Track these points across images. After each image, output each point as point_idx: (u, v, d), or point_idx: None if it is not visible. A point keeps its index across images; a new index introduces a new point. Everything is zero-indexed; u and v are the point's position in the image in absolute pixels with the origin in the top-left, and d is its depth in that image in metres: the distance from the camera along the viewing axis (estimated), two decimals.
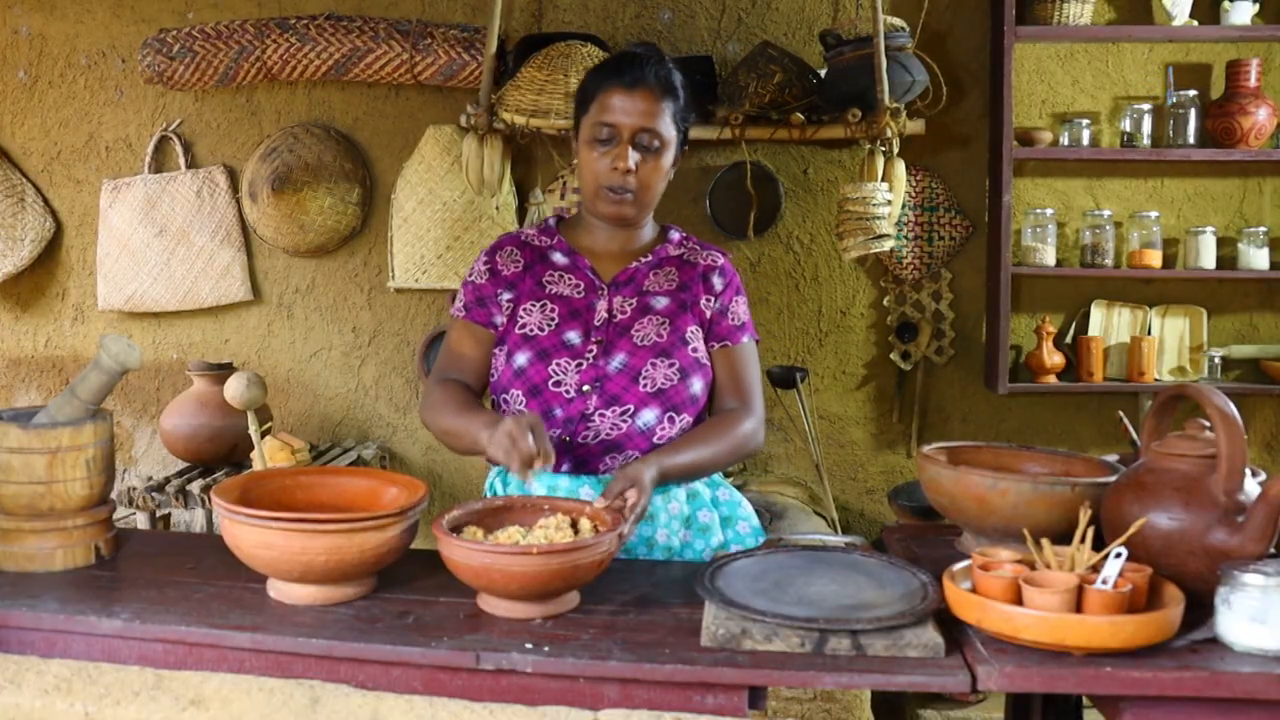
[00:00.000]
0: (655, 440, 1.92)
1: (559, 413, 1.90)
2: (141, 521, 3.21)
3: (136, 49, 3.66)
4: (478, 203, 3.61)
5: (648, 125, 1.91)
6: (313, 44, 3.51)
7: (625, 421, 1.90)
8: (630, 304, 1.98)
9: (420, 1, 3.65)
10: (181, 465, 3.50)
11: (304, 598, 1.59)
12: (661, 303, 1.99)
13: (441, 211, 3.63)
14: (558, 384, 1.91)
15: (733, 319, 2.03)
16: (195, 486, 3.19)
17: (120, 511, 3.17)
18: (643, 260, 2.04)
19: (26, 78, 3.78)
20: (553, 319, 1.96)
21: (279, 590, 1.61)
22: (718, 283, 2.04)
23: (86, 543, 1.75)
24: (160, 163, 3.77)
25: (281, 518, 1.53)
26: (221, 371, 3.35)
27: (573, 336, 1.94)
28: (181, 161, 3.74)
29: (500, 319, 2.01)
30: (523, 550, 1.48)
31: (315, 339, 3.80)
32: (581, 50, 3.27)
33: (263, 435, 3.00)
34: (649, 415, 1.91)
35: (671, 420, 1.92)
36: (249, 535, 1.56)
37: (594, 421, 1.90)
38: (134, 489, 3.21)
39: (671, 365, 1.92)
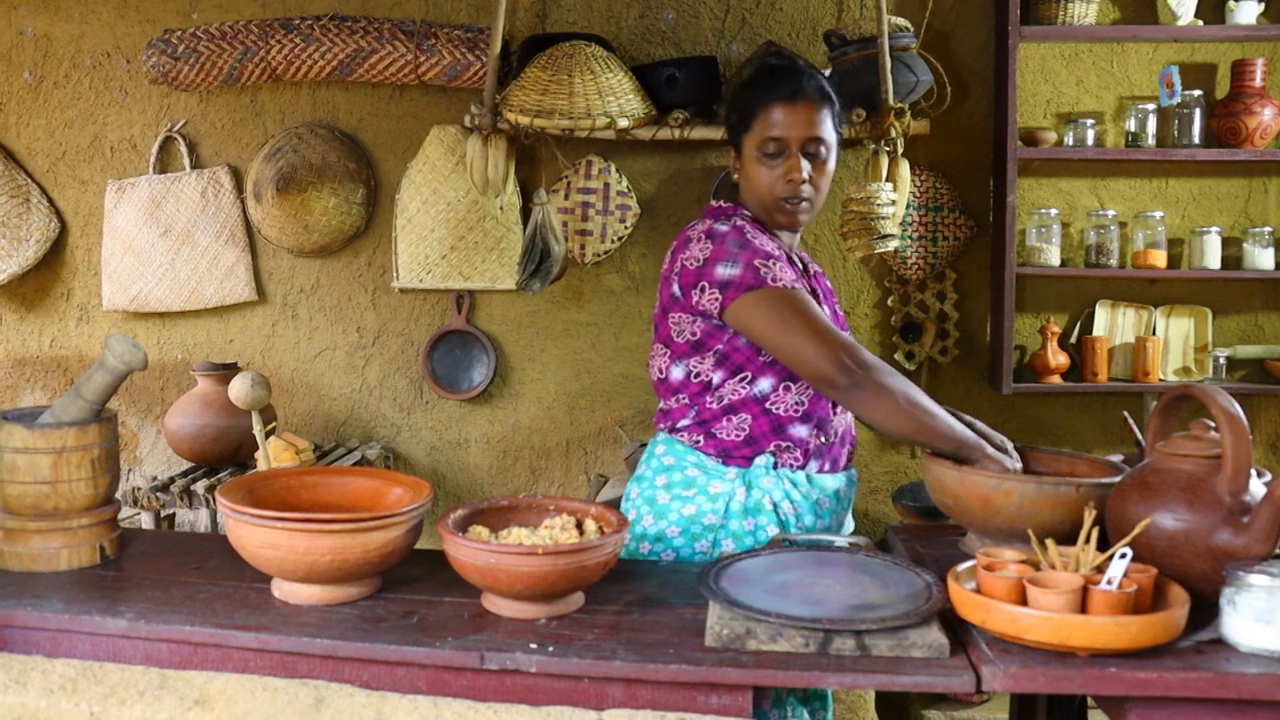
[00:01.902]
0: (854, 432, 2.13)
1: (812, 410, 2.00)
2: (146, 521, 3.21)
3: (141, 50, 3.66)
4: (482, 203, 3.61)
5: (814, 134, 1.99)
6: (317, 44, 3.51)
7: (844, 419, 2.08)
8: (826, 310, 2.06)
9: (424, 2, 3.65)
10: (186, 465, 3.50)
11: (308, 598, 1.59)
12: (831, 308, 2.15)
13: (446, 212, 3.63)
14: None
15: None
16: (200, 486, 3.19)
17: (125, 511, 3.17)
18: (814, 267, 2.21)
19: (32, 78, 3.79)
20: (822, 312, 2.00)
21: (283, 590, 1.61)
22: (829, 284, 2.25)
23: (91, 543, 1.75)
24: (165, 163, 3.77)
25: (286, 518, 1.54)
26: (226, 371, 3.35)
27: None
28: (186, 162, 3.74)
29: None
30: (529, 550, 1.49)
31: (319, 339, 3.81)
32: (586, 50, 3.27)
33: (267, 435, 3.00)
34: (850, 414, 2.09)
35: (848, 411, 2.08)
36: (254, 535, 1.56)
37: (832, 420, 2.03)
38: (139, 489, 3.22)
39: None
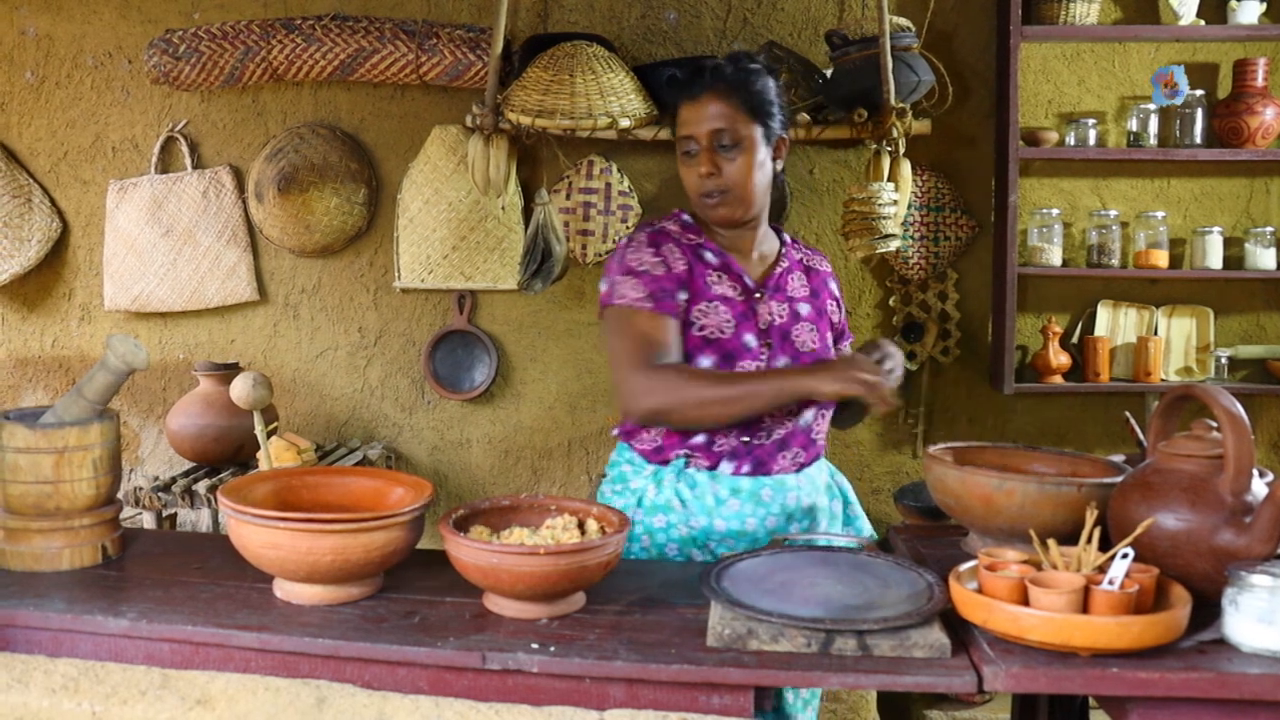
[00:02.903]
0: (814, 436, 2.05)
1: None
2: (148, 521, 3.21)
3: (142, 50, 3.66)
4: (483, 203, 3.61)
5: (716, 126, 1.97)
6: (318, 44, 3.51)
7: (790, 421, 1.99)
8: (784, 309, 2.04)
9: (426, 2, 3.65)
10: (188, 465, 3.50)
11: (310, 597, 1.59)
12: (805, 309, 2.08)
13: (447, 212, 3.63)
14: None
15: (845, 316, 2.22)
16: (201, 486, 3.19)
17: (126, 511, 3.17)
18: (781, 265, 2.10)
19: (33, 78, 3.79)
20: (729, 321, 1.98)
21: (285, 590, 1.61)
22: (835, 287, 2.20)
23: (93, 542, 1.75)
24: (166, 163, 3.77)
25: (287, 518, 1.54)
26: (227, 371, 3.35)
27: (750, 340, 1.98)
28: (188, 162, 3.74)
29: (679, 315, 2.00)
30: (530, 550, 1.49)
31: (321, 339, 3.81)
32: (587, 50, 3.27)
33: (269, 435, 3.00)
34: (809, 414, 2.02)
35: (823, 416, 2.06)
36: (255, 535, 1.56)
37: (766, 422, 1.97)
38: (140, 489, 3.22)
39: None
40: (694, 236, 2.08)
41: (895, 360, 1.99)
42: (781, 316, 2.03)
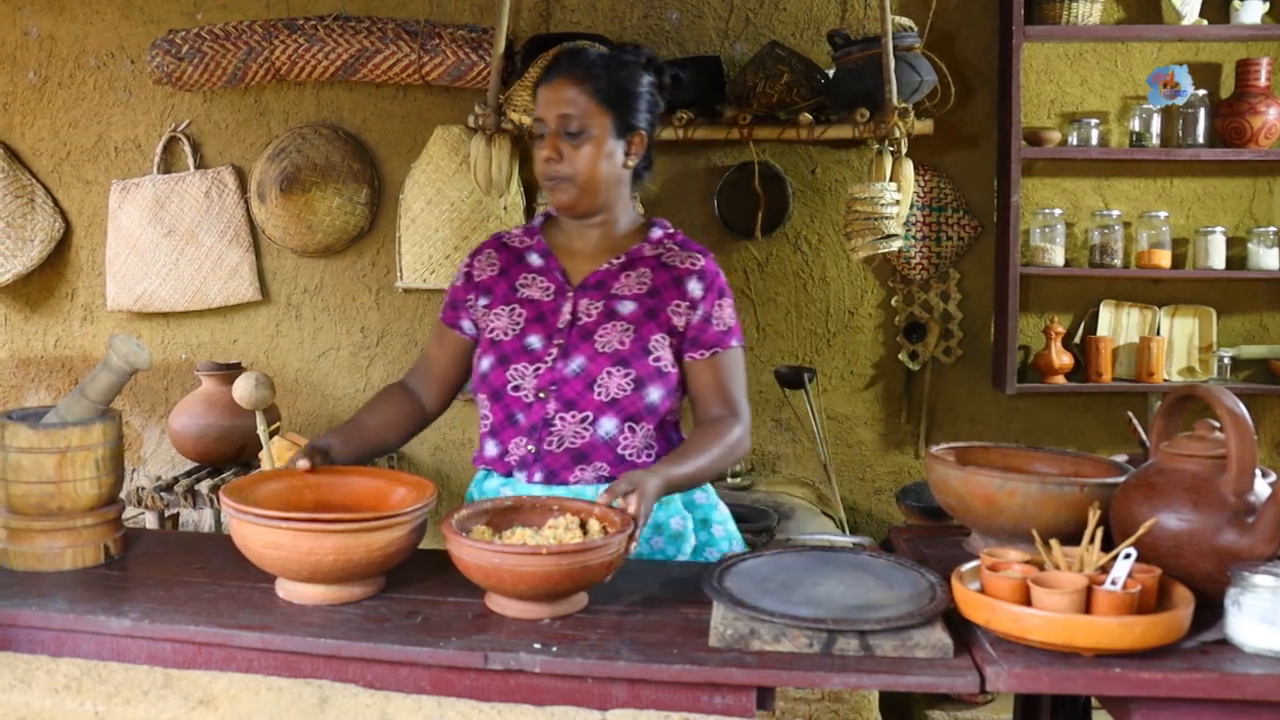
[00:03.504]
0: (619, 451, 1.91)
1: (521, 419, 1.92)
2: (150, 521, 3.22)
3: (145, 50, 3.67)
4: (485, 203, 3.61)
5: (564, 111, 1.90)
6: (321, 45, 3.52)
7: (587, 430, 1.89)
8: (597, 307, 1.95)
9: (428, 2, 3.66)
10: (190, 465, 3.51)
11: (312, 597, 1.59)
12: (628, 308, 1.95)
13: (449, 211, 3.63)
14: (516, 388, 1.91)
15: (718, 324, 1.97)
16: (204, 486, 3.19)
17: (129, 511, 3.18)
18: (614, 261, 2.00)
19: (36, 79, 3.79)
20: (518, 323, 1.96)
21: (287, 590, 1.61)
22: (695, 289, 1.97)
23: (96, 542, 1.76)
24: (169, 163, 3.78)
25: (290, 518, 1.54)
26: (230, 371, 3.36)
27: (534, 341, 1.93)
28: (190, 162, 3.75)
29: (469, 324, 2.04)
30: (533, 551, 1.48)
31: (323, 339, 3.81)
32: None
33: (271, 435, 3.00)
34: (609, 425, 1.89)
35: (632, 430, 1.91)
36: (257, 535, 1.56)
37: (556, 427, 1.89)
38: (143, 489, 3.22)
39: (628, 375, 1.89)
40: (528, 239, 2.07)
41: (635, 509, 1.65)
42: (590, 315, 1.94)
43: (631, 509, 1.63)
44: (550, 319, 1.95)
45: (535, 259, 2.04)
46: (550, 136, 1.92)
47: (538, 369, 1.91)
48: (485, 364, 1.96)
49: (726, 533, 2.03)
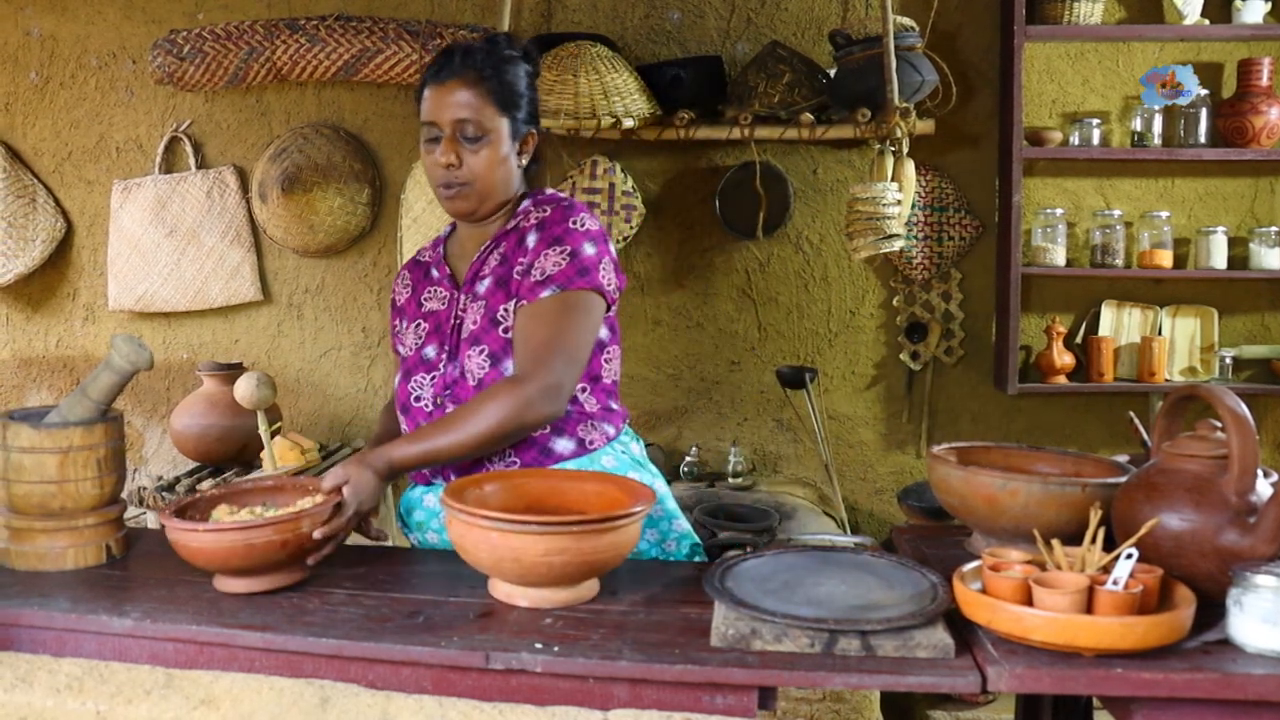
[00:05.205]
0: (550, 445, 1.84)
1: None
2: (152, 521, 3.22)
3: (147, 50, 3.67)
4: None
5: (463, 116, 1.84)
6: (322, 45, 3.52)
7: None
8: (469, 300, 1.90)
9: (429, 2, 3.66)
10: (191, 465, 3.51)
11: (535, 600, 1.59)
12: (484, 286, 1.88)
13: None
14: (419, 399, 1.91)
15: (536, 274, 1.82)
16: (205, 486, 3.19)
17: (130, 511, 3.18)
18: (484, 249, 1.94)
19: (38, 79, 3.79)
20: (420, 337, 1.95)
21: (503, 591, 1.62)
22: (531, 239, 1.86)
23: (97, 542, 1.76)
24: (170, 163, 3.78)
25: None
26: (231, 371, 3.36)
27: (429, 351, 1.92)
28: (191, 162, 3.75)
29: (402, 348, 2.02)
30: (191, 528, 1.55)
31: (325, 339, 3.81)
32: (591, 50, 3.27)
33: (272, 435, 3.01)
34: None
35: (564, 435, 1.85)
36: (482, 537, 1.56)
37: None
38: (144, 489, 3.22)
39: (482, 352, 1.83)
40: (433, 252, 2.04)
41: (345, 500, 1.68)
42: (466, 311, 1.90)
43: (344, 499, 1.66)
44: (444, 326, 1.93)
45: (434, 271, 2.02)
46: (447, 141, 1.86)
47: (434, 377, 1.90)
48: (395, 382, 1.98)
49: (680, 534, 1.97)
